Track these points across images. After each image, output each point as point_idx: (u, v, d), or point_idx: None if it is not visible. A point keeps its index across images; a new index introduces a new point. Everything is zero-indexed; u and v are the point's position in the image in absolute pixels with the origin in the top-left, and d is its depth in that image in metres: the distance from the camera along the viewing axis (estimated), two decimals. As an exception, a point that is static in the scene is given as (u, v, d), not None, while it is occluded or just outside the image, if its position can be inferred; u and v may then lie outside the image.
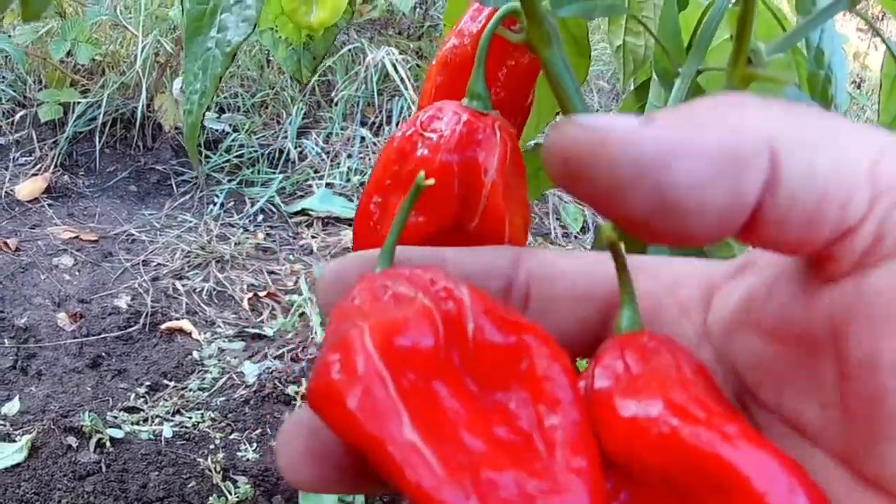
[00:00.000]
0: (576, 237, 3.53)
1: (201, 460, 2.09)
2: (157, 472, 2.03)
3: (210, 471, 2.05)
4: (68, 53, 3.56)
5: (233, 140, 3.66)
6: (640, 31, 1.09)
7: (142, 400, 2.30)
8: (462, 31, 0.83)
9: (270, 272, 3.00)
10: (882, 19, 4.73)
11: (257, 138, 3.72)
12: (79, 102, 3.59)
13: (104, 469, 2.02)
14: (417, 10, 4.31)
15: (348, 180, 3.58)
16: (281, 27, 1.32)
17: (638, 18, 1.03)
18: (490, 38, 0.70)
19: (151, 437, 2.16)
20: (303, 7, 1.20)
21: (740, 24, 0.71)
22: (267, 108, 3.88)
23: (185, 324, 2.62)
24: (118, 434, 2.13)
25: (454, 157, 0.68)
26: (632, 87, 1.15)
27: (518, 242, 0.73)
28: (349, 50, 3.97)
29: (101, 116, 3.60)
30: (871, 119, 4.72)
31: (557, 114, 0.94)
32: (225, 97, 3.81)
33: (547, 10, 0.69)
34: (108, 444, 2.09)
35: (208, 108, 3.59)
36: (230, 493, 2.00)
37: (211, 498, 1.98)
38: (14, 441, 2.07)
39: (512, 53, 0.80)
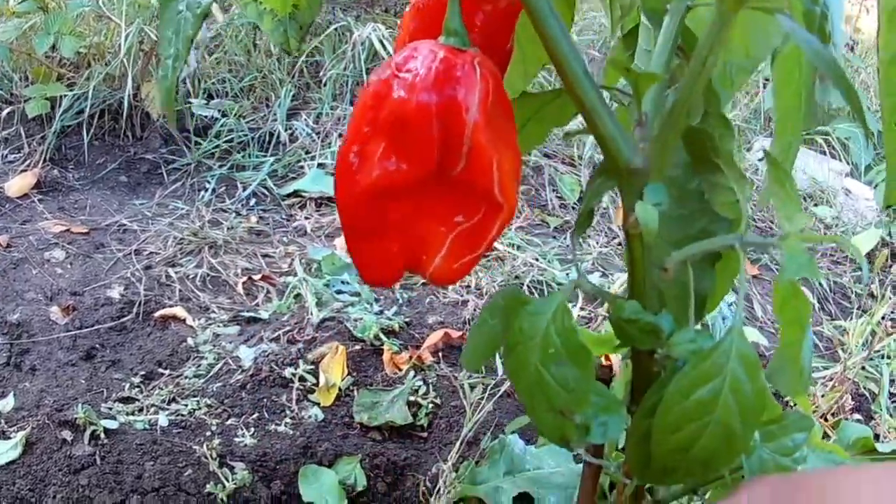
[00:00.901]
0: (573, 207, 3.51)
1: (197, 448, 2.06)
2: (152, 462, 2.00)
3: (206, 458, 2.02)
4: (53, 47, 3.54)
5: (222, 125, 3.64)
6: (629, -27, 1.05)
7: (137, 390, 2.28)
8: (439, -27, 0.80)
9: (264, 255, 2.97)
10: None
11: (247, 122, 3.70)
12: (65, 96, 3.57)
13: (99, 461, 1.99)
14: (403, -15, 4.29)
15: (340, 159, 3.55)
16: (265, -1, 1.29)
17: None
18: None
19: (147, 426, 2.13)
20: (287, -23, 1.17)
21: None
22: (255, 91, 3.86)
23: (179, 311, 2.60)
24: (113, 425, 2.10)
25: (432, 96, 0.65)
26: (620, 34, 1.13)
27: (508, 188, 0.70)
28: (335, 29, 3.94)
29: (89, 109, 3.58)
30: (865, 81, 4.70)
31: (545, 65, 0.91)
32: (213, 83, 3.79)
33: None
34: (102, 435, 2.06)
35: (196, 95, 3.59)
36: (227, 480, 1.96)
37: (208, 486, 1.95)
38: (9, 438, 2.05)
39: (488, -2, 0.77)
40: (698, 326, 0.87)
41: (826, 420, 2.40)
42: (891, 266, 3.42)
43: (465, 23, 0.70)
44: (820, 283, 3.22)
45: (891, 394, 2.63)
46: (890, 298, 3.14)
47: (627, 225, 0.73)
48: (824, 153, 4.09)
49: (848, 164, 4.10)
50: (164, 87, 0.79)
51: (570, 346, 0.75)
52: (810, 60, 0.82)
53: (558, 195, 3.51)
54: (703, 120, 0.86)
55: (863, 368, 2.69)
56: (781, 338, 0.72)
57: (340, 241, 3.07)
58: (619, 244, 3.26)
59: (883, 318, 2.99)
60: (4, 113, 3.58)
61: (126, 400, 2.24)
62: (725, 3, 0.69)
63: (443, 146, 0.66)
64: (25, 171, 3.39)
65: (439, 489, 1.99)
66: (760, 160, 3.71)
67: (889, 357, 2.77)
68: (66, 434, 2.06)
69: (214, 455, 2.04)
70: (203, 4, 0.74)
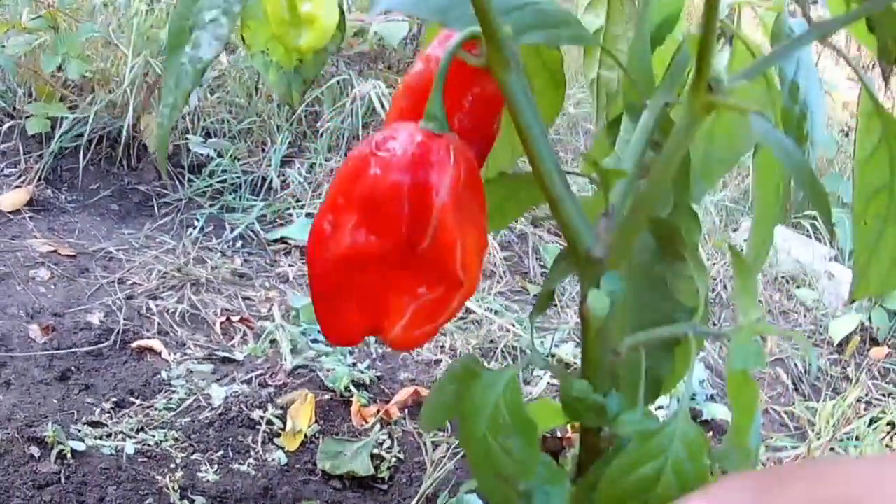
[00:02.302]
0: (553, 279, 3.54)
1: (160, 478, 2.09)
2: (115, 487, 2.04)
3: (168, 489, 2.06)
4: (59, 68, 3.57)
5: (217, 164, 3.68)
6: (614, 65, 1.10)
7: (107, 415, 2.31)
8: (428, 56, 0.85)
9: (245, 298, 3.01)
10: (872, 68, 4.76)
11: (241, 164, 3.74)
12: (66, 118, 3.60)
13: (63, 480, 2.02)
14: (407, 45, 4.33)
15: (329, 211, 3.59)
16: (272, 51, 1.34)
17: (608, 51, 1.05)
18: (449, 61, 0.71)
19: (113, 452, 2.16)
20: (291, 31, 1.22)
21: (700, 47, 0.72)
22: (253, 134, 3.90)
23: (156, 343, 2.63)
24: (80, 447, 2.13)
25: (406, 176, 0.69)
26: (605, 121, 1.17)
27: (470, 267, 0.74)
28: (337, 82, 3.99)
29: (88, 133, 3.61)
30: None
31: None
32: (212, 122, 3.82)
33: (509, 35, 0.70)
34: (69, 455, 2.09)
35: (195, 132, 3.63)
36: (187, 513, 2.00)
37: (168, 516, 1.99)
38: (-24, 447, 2.08)
39: (478, 80, 0.82)
40: (654, 406, 0.92)
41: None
42: (868, 350, 3.47)
43: (453, 104, 0.74)
44: (795, 364, 3.27)
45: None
46: (865, 382, 3.19)
47: (583, 309, 0.78)
48: (810, 236, 4.13)
49: (833, 248, 4.15)
50: (159, 133, 0.82)
51: (517, 419, 0.80)
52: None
53: (541, 263, 3.55)
54: (673, 211, 0.91)
55: (832, 449, 2.72)
56: (733, 422, 0.77)
57: (321, 292, 3.10)
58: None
59: (858, 400, 3.04)
60: (5, 127, 3.61)
61: (95, 424, 2.27)
62: (694, 105, 0.73)
63: (411, 223, 0.71)
64: (20, 186, 3.41)
65: (394, 543, 2.03)
66: (746, 241, 3.76)
67: (858, 439, 2.81)
68: (34, 450, 2.09)
69: (176, 487, 2.07)
70: (204, 61, 0.77)
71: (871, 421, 2.92)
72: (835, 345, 3.50)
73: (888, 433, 2.88)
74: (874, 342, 3.54)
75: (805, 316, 3.68)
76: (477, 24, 0.70)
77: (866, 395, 3.15)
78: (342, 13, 1.25)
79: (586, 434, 0.89)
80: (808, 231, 4.19)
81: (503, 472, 0.81)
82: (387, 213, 0.70)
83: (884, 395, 3.20)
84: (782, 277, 3.88)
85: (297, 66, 1.35)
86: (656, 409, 2.47)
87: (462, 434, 0.85)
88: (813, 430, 2.87)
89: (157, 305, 2.85)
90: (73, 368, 2.47)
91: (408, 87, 0.85)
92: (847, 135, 5.37)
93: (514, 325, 3.04)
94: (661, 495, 0.74)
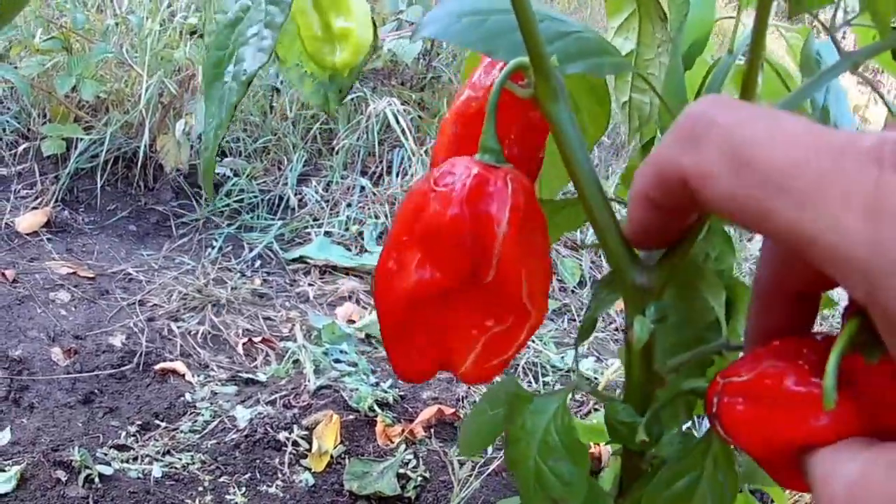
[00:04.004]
0: (573, 291, 3.55)
1: (189, 501, 2.09)
2: (145, 512, 2.04)
3: (198, 513, 2.06)
4: (73, 89, 3.58)
5: (233, 184, 3.68)
6: (646, 89, 1.10)
7: (132, 438, 2.31)
8: (475, 84, 0.84)
9: (266, 318, 3.01)
10: (882, 73, 4.76)
11: (258, 184, 3.74)
12: (82, 139, 3.61)
13: (92, 505, 2.03)
14: (420, 61, 4.34)
15: (347, 229, 3.60)
16: (305, 63, 1.33)
17: (643, 76, 1.05)
18: (499, 93, 0.71)
19: (140, 475, 2.16)
20: (326, 48, 1.21)
21: (745, 81, 0.72)
22: (269, 153, 3.91)
23: (179, 365, 2.63)
24: (107, 471, 2.13)
25: (465, 210, 0.69)
26: (638, 144, 1.17)
27: (537, 296, 0.74)
28: (352, 99, 4.00)
29: (104, 154, 3.62)
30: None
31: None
32: (227, 142, 3.83)
33: (554, 65, 0.70)
34: (96, 479, 2.09)
35: (210, 152, 3.63)
36: (217, 536, 2.00)
37: (198, 540, 1.99)
38: (3, 471, 2.07)
39: (524, 108, 0.81)
40: (687, 424, 0.92)
41: (810, 516, 2.43)
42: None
43: (501, 131, 0.74)
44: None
45: None
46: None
47: (628, 336, 0.78)
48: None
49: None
50: (205, 156, 0.82)
51: (568, 443, 0.81)
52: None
53: (559, 278, 3.55)
54: (705, 237, 0.91)
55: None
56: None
57: (342, 311, 3.11)
58: (616, 329, 3.31)
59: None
60: (21, 148, 3.62)
61: (121, 447, 2.27)
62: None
63: (475, 257, 0.70)
64: (37, 208, 3.42)
65: (423, 565, 2.02)
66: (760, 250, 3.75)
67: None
68: (61, 474, 2.09)
69: (206, 510, 2.07)
70: (249, 73, 0.77)
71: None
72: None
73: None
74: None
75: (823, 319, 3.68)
76: (521, 53, 0.70)
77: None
78: (374, 26, 1.25)
79: (628, 455, 0.89)
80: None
81: (553, 494, 0.81)
82: (449, 248, 0.69)
83: None
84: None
85: (331, 75, 1.35)
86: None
87: (511, 457, 0.86)
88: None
89: (178, 327, 2.85)
90: (96, 391, 2.47)
91: (456, 116, 0.85)
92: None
93: (533, 342, 3.04)
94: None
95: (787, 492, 2.51)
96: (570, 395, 0.85)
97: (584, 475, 0.82)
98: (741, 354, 0.54)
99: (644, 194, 0.53)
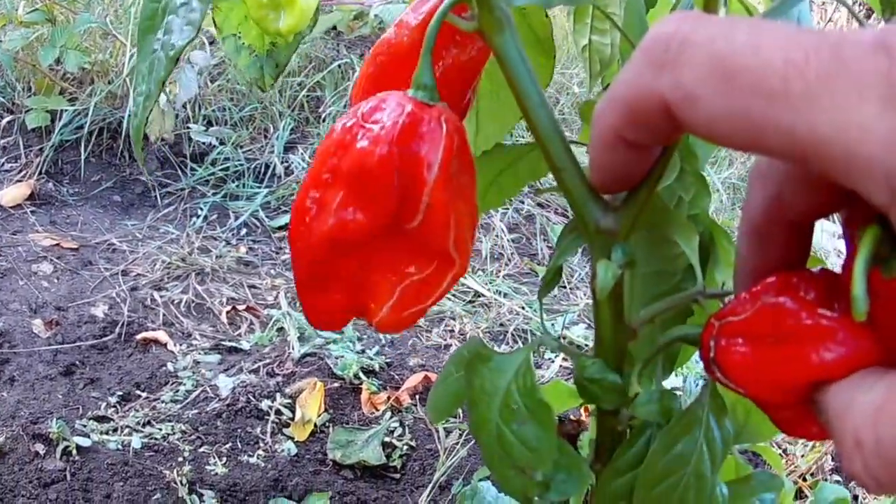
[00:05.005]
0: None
1: (168, 472, 2.06)
2: (122, 483, 2.01)
3: (176, 483, 2.03)
4: (57, 61, 3.54)
5: (219, 153, 3.64)
6: (605, 30, 1.06)
7: (112, 409, 2.28)
8: (401, 23, 0.80)
9: (251, 286, 2.98)
10: (868, 18, 4.73)
11: (244, 152, 3.70)
12: (66, 110, 3.58)
13: (69, 477, 2.00)
14: (408, 27, 4.31)
15: (333, 196, 3.56)
16: (244, 34, 1.30)
17: (604, 12, 1.01)
18: (439, 25, 0.66)
19: (119, 447, 2.13)
20: (271, 13, 1.19)
21: (704, 8, 0.69)
22: (255, 122, 3.87)
23: (162, 335, 2.60)
24: (86, 443, 2.10)
25: (395, 149, 0.65)
26: (600, 88, 1.14)
27: (463, 244, 0.70)
28: (338, 66, 3.96)
29: (88, 125, 3.58)
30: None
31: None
32: (213, 110, 3.79)
33: (501, -4, 0.67)
34: (74, 452, 2.06)
35: (196, 120, 3.60)
36: (196, 507, 1.97)
37: (176, 511, 1.96)
38: (-18, 446, 2.05)
39: (448, 50, 0.77)
40: (666, 383, 0.88)
41: (805, 480, 2.40)
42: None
43: None
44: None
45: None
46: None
47: (593, 284, 0.74)
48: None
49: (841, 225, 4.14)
50: (133, 124, 0.78)
51: (531, 405, 0.75)
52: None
53: (549, 245, 3.52)
54: (678, 178, 0.87)
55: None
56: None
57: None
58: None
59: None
60: (4, 122, 3.59)
61: (101, 419, 2.24)
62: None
63: (401, 200, 0.66)
64: (20, 181, 3.39)
65: (406, 533, 2.00)
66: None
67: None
68: (39, 447, 2.06)
69: (185, 481, 2.04)
70: (177, 48, 0.73)
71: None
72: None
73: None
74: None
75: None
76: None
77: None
78: (319, -6, 1.22)
79: (603, 416, 0.85)
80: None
81: (518, 461, 0.77)
82: (375, 189, 0.65)
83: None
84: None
85: (269, 50, 1.32)
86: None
87: (472, 422, 0.81)
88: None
89: (161, 296, 2.82)
90: (77, 362, 2.44)
91: (377, 55, 0.81)
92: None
93: (523, 308, 3.01)
94: (695, 470, 0.72)
95: (791, 456, 2.49)
96: (533, 352, 0.81)
97: (551, 439, 0.76)
98: (721, 305, 0.51)
99: (612, 132, 0.49)
